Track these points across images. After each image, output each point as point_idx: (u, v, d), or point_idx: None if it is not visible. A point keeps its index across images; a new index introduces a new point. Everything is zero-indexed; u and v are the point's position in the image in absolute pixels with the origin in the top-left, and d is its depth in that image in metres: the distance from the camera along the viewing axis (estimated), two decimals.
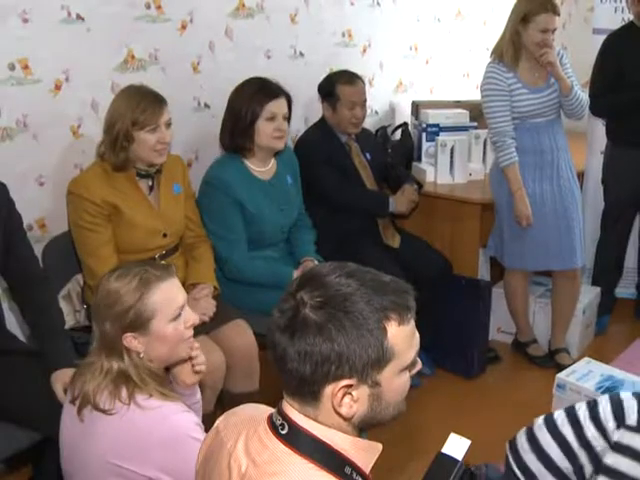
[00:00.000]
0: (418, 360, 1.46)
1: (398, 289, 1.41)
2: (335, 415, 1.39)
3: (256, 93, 3.22)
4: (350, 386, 1.36)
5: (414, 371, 1.45)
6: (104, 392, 2.00)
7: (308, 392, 1.38)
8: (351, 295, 1.35)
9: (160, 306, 2.04)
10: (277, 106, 3.23)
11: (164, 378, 2.11)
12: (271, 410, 1.51)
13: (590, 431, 2.35)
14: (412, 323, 1.41)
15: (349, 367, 1.34)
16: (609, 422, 2.29)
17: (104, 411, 1.98)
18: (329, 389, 1.36)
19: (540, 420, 2.52)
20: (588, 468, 2.38)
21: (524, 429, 2.54)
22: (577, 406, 2.47)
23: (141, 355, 2.04)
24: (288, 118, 3.31)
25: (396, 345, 1.37)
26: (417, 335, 1.43)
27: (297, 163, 3.53)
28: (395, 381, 1.40)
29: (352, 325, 1.33)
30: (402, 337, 1.38)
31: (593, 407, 2.41)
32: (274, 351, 1.40)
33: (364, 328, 1.34)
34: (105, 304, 2.02)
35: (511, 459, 2.50)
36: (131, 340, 2.02)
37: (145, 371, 2.04)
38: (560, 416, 2.47)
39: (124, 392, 1.99)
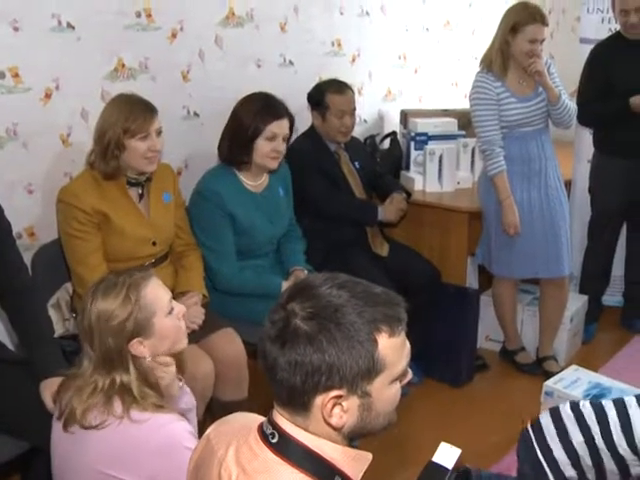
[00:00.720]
0: (409, 370, 1.47)
1: (389, 301, 1.42)
2: (325, 425, 1.40)
3: (261, 110, 3.22)
4: (340, 397, 1.37)
5: (405, 381, 1.47)
6: (93, 410, 2.00)
7: (298, 402, 1.39)
8: (342, 306, 1.36)
9: (155, 303, 2.08)
10: (279, 127, 3.24)
11: (160, 387, 2.11)
12: (262, 419, 1.52)
13: (619, 441, 2.46)
14: (403, 335, 1.42)
15: (339, 378, 1.35)
16: None
17: (95, 427, 1.99)
18: (319, 399, 1.37)
19: (568, 410, 2.57)
20: (609, 465, 2.45)
21: (549, 416, 2.59)
22: (607, 407, 2.53)
23: (148, 359, 2.06)
24: (288, 139, 3.33)
25: (387, 356, 1.38)
26: (408, 346, 1.45)
27: (290, 175, 3.54)
28: (385, 392, 1.42)
29: (343, 336, 1.34)
30: (393, 348, 1.39)
31: (623, 416, 2.48)
32: (265, 361, 1.41)
33: (355, 339, 1.35)
34: (101, 322, 2.01)
35: (535, 442, 2.56)
36: (137, 346, 2.04)
37: (152, 378, 2.06)
38: (590, 416, 2.54)
39: (118, 407, 1.99)
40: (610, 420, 2.50)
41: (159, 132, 2.90)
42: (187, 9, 3.51)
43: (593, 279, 4.56)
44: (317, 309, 1.36)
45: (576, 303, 4.36)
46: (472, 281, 4.28)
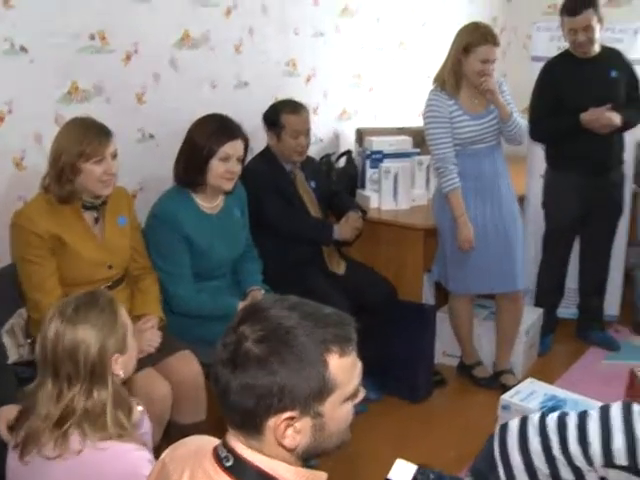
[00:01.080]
0: (361, 390, 1.48)
1: (339, 321, 1.44)
2: (279, 446, 1.41)
3: (215, 132, 3.23)
4: (293, 418, 1.38)
5: (357, 400, 1.48)
6: (51, 442, 1.98)
7: (251, 425, 1.40)
8: (293, 328, 1.38)
9: (127, 321, 2.11)
10: (233, 148, 3.24)
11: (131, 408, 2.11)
12: (217, 442, 1.52)
13: (576, 452, 2.51)
14: (354, 354, 1.44)
15: (291, 400, 1.37)
16: (596, 457, 2.46)
17: (55, 457, 1.97)
18: (272, 421, 1.38)
19: (536, 420, 2.64)
20: (566, 475, 2.51)
21: (518, 421, 2.64)
22: (569, 418, 2.60)
23: (122, 376, 2.06)
24: (243, 160, 3.34)
25: (338, 376, 1.39)
26: (359, 365, 1.46)
27: (245, 196, 3.54)
28: (338, 411, 1.43)
29: (293, 358, 1.36)
30: (343, 368, 1.41)
31: (582, 430, 2.54)
32: (217, 385, 1.42)
33: (305, 361, 1.36)
34: (86, 341, 2.00)
35: (497, 445, 2.62)
36: (115, 363, 2.05)
37: (123, 399, 2.06)
38: (552, 427, 2.60)
39: (76, 438, 1.97)
40: (569, 432, 2.55)
41: (114, 155, 2.90)
42: (142, 31, 3.53)
43: (548, 292, 4.63)
44: (268, 332, 1.38)
45: (532, 316, 4.42)
46: (428, 297, 4.32)
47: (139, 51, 3.53)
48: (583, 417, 2.60)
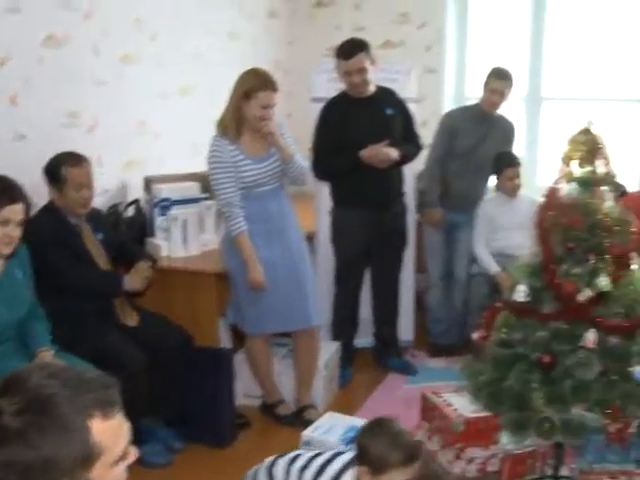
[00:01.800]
0: (131, 450, 1.48)
1: (102, 385, 1.43)
2: None
3: None
4: None
5: (129, 461, 1.48)
6: None
7: None
8: (52, 397, 1.36)
9: None
10: (12, 212, 3.08)
11: None
12: None
13: None
14: (118, 416, 1.43)
15: (57, 471, 1.34)
16: None
17: None
18: None
19: (265, 465, 2.81)
20: None
21: (265, 467, 2.80)
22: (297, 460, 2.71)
23: None
24: (24, 223, 3.21)
25: (103, 441, 1.38)
26: (126, 426, 1.46)
27: (27, 256, 3.41)
28: (109, 475, 1.42)
29: (54, 428, 1.33)
30: (108, 432, 1.40)
31: (310, 460, 2.73)
32: None
33: (67, 429, 1.34)
34: None
35: None
36: None
37: None
38: (282, 462, 2.78)
39: None
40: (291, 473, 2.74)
41: None
42: None
43: (343, 325, 4.77)
44: (26, 403, 1.35)
45: (329, 349, 4.52)
46: (225, 341, 4.33)
47: None
48: (314, 456, 2.77)
